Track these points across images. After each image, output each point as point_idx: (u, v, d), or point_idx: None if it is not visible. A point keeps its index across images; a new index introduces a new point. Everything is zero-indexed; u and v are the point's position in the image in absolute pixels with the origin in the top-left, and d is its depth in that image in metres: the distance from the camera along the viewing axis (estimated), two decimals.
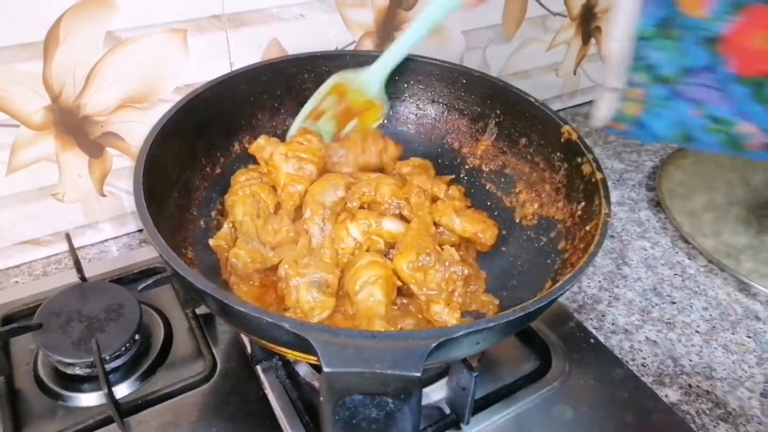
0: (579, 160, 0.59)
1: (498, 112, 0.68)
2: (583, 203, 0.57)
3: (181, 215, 0.58)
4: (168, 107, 0.58)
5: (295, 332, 0.36)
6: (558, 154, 0.62)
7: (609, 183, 0.56)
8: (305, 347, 0.36)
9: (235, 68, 0.70)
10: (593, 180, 0.56)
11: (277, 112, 0.70)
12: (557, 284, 0.44)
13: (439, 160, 0.71)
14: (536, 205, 0.64)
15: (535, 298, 0.42)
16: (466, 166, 0.71)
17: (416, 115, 0.73)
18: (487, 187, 0.69)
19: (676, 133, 0.49)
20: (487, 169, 0.69)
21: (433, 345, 0.36)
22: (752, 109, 0.44)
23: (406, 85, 0.72)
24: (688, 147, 0.66)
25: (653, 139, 0.50)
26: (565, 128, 0.60)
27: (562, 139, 0.61)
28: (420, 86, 0.72)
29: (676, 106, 0.47)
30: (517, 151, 0.67)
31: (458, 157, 0.71)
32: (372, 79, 0.66)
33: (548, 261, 0.57)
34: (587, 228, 0.53)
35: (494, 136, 0.69)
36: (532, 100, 0.64)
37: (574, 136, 0.60)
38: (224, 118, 0.65)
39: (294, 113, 0.69)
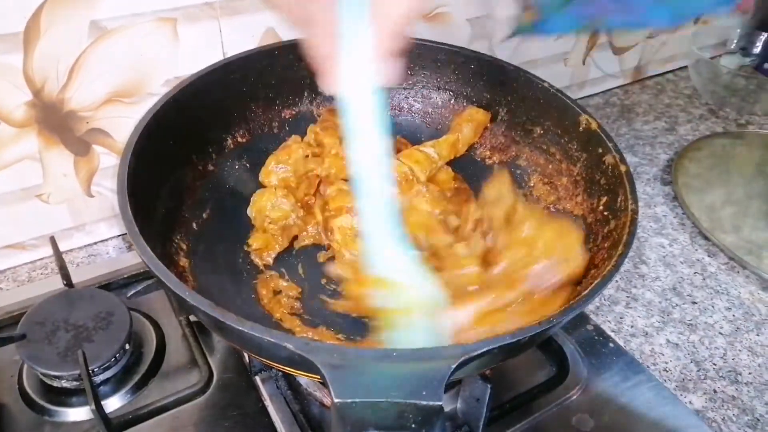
0: (600, 150, 0.55)
1: (509, 99, 0.64)
2: (605, 198, 0.53)
3: (173, 219, 0.54)
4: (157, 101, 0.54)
5: (301, 354, 0.33)
6: (575, 144, 0.58)
7: None
8: (311, 369, 0.33)
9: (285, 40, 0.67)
10: (616, 172, 0.52)
11: (273, 104, 0.66)
12: (587, 290, 0.40)
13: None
14: (552, 198, 0.60)
15: (564, 307, 0.38)
16: (477, 158, 0.67)
17: (422, 103, 0.69)
18: None
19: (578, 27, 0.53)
20: (499, 161, 0.66)
21: (454, 366, 0.32)
22: None
23: (410, 72, 0.68)
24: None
25: (557, 32, 0.51)
26: (584, 117, 0.57)
27: (581, 128, 0.57)
28: (425, 72, 0.68)
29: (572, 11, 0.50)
30: (531, 140, 0.63)
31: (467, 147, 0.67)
32: None
33: None
34: (611, 226, 0.49)
35: (505, 125, 0.65)
36: (547, 85, 0.60)
37: (594, 125, 0.56)
38: (216, 110, 0.61)
39: (289, 104, 0.66)
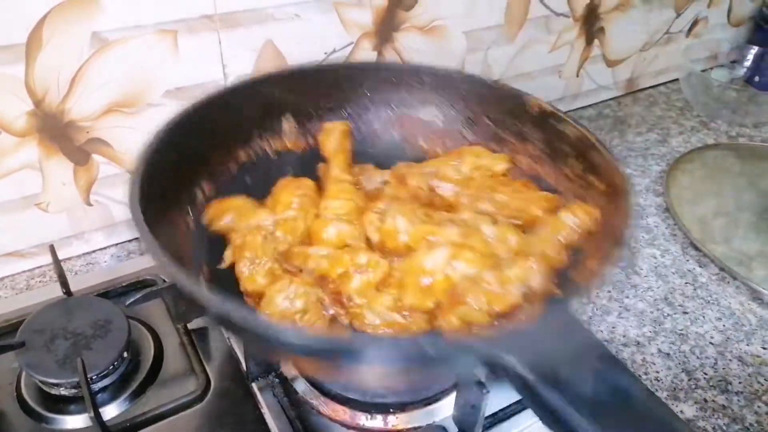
0: (558, 126, 0.58)
1: (448, 101, 0.67)
2: (576, 163, 0.57)
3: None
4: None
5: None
6: (528, 126, 0.61)
7: None
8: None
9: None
10: (584, 140, 0.55)
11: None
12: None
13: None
14: (515, 173, 0.63)
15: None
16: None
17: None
18: None
19: None
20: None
21: None
22: None
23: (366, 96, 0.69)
24: None
25: None
26: (532, 99, 0.60)
27: (532, 111, 0.60)
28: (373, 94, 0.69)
29: None
30: (481, 133, 0.66)
31: (420, 155, 0.68)
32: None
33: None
34: (597, 185, 0.54)
35: (463, 122, 0.67)
36: (489, 81, 0.64)
37: (545, 105, 0.59)
38: (231, 130, 0.61)
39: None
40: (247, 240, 0.54)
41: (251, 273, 0.53)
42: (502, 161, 0.64)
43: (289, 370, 0.57)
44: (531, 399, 0.34)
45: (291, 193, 0.59)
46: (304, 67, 0.66)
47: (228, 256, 0.55)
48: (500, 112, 0.64)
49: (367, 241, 0.57)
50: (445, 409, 0.55)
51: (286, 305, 0.50)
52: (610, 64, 1.04)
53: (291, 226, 0.57)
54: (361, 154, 0.66)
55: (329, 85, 0.66)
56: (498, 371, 0.35)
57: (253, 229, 0.55)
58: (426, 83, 0.67)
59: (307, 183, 0.60)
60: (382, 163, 0.66)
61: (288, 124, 0.65)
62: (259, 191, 0.61)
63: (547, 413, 0.33)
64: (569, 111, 1.04)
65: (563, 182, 0.60)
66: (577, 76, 1.01)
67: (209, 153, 0.59)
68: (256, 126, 0.63)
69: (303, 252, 0.54)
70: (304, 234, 0.57)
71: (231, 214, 0.56)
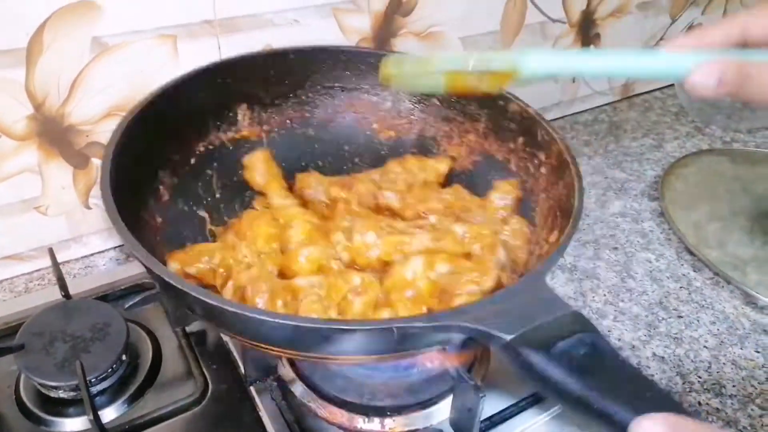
0: (501, 103, 0.61)
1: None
2: (521, 138, 0.61)
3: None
4: None
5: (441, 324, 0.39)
6: (473, 104, 0.65)
7: (611, 193, 0.56)
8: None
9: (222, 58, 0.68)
10: (525, 115, 0.59)
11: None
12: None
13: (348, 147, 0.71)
14: (464, 150, 0.67)
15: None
16: (383, 144, 0.71)
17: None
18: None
19: None
20: (409, 140, 0.70)
21: None
22: None
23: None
24: None
25: None
26: None
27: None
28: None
29: None
30: (431, 112, 0.69)
31: (373, 137, 0.71)
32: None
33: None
34: (542, 157, 0.58)
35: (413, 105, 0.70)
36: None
37: None
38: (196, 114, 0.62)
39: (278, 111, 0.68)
40: (253, 275, 0.51)
41: (269, 304, 0.50)
42: (444, 162, 0.67)
43: (287, 372, 0.57)
44: (512, 360, 0.38)
45: (267, 223, 0.58)
46: (254, 53, 0.66)
47: (227, 293, 0.52)
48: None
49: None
50: (441, 412, 0.55)
51: None
52: None
53: (274, 259, 0.56)
54: (318, 140, 0.69)
55: (281, 71, 0.66)
56: (483, 339, 0.39)
57: (249, 262, 0.54)
58: (375, 66, 0.66)
59: (274, 214, 0.60)
60: (340, 148, 0.70)
61: (242, 113, 0.66)
62: (220, 181, 0.64)
63: (529, 372, 0.37)
64: (564, 116, 1.05)
65: (512, 158, 0.63)
66: (573, 81, 1.01)
67: (167, 146, 0.59)
68: (211, 116, 0.64)
69: (290, 286, 0.52)
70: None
71: (205, 256, 0.54)
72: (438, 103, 0.68)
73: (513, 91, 0.62)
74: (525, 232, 0.60)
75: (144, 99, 0.55)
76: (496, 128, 0.64)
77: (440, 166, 0.67)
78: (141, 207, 0.54)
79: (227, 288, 0.52)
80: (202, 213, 0.61)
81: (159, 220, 0.56)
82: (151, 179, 0.57)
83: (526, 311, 0.40)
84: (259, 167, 0.64)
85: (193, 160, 0.62)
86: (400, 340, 0.39)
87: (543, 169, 0.59)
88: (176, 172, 0.60)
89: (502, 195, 0.62)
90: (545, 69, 0.46)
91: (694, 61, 0.38)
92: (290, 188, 0.65)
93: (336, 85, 0.69)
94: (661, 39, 1.08)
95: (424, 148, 0.69)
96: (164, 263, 0.52)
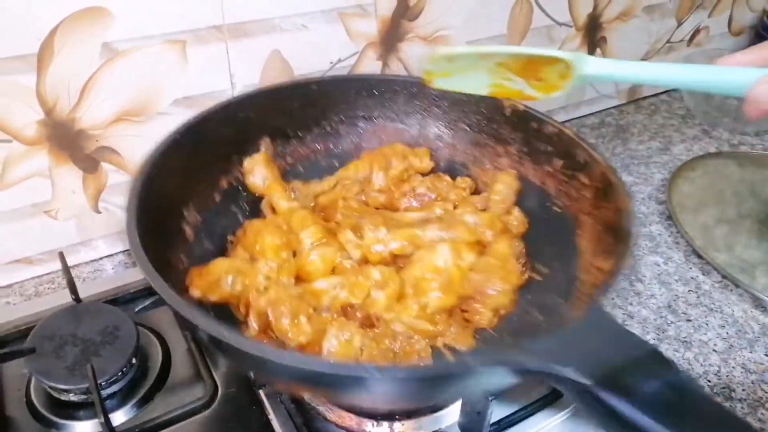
0: (534, 125, 0.59)
1: (423, 109, 0.68)
2: (559, 160, 0.58)
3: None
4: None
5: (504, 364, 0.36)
6: (506, 128, 0.63)
7: None
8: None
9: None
10: (564, 137, 0.57)
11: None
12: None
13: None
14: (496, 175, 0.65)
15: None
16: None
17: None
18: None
19: None
20: (438, 167, 0.69)
21: None
22: None
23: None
24: None
25: None
26: (508, 102, 0.61)
27: (507, 113, 0.61)
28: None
29: None
30: (460, 136, 0.68)
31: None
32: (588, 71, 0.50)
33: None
34: (584, 180, 0.55)
35: (441, 126, 0.69)
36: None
37: (520, 107, 0.60)
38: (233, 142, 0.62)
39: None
40: (271, 298, 0.51)
41: (296, 326, 0.50)
42: (425, 155, 0.67)
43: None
44: (589, 405, 0.34)
45: (272, 234, 0.57)
46: (276, 86, 0.66)
47: (253, 322, 0.51)
48: (475, 115, 0.66)
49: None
50: (450, 415, 0.55)
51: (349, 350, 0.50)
52: None
53: (288, 269, 0.56)
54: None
55: (303, 103, 0.66)
56: (554, 381, 0.35)
57: (265, 284, 0.53)
58: (400, 93, 0.68)
59: (277, 220, 0.59)
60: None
61: (266, 147, 0.65)
62: (245, 219, 0.62)
63: (610, 418, 0.33)
64: (571, 119, 1.05)
65: (549, 181, 0.61)
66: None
67: (191, 183, 0.58)
68: (235, 151, 0.63)
69: (310, 291, 0.53)
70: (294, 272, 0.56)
71: (226, 277, 0.52)
72: (467, 127, 0.66)
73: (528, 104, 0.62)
74: (525, 223, 0.62)
75: (167, 137, 0.55)
76: (530, 151, 0.62)
77: (423, 166, 0.67)
78: (167, 249, 0.53)
79: (252, 315, 0.51)
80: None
81: (185, 261, 0.55)
82: (176, 219, 0.56)
83: (601, 349, 0.36)
84: (259, 170, 0.63)
85: (217, 197, 0.62)
86: (449, 384, 0.37)
87: (586, 192, 0.56)
88: (201, 211, 0.59)
89: (502, 186, 0.62)
90: (605, 72, 0.46)
91: (757, 76, 0.37)
92: None
93: (360, 114, 0.69)
94: (667, 42, 1.08)
95: (453, 175, 0.68)
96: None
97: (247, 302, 0.52)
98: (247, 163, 0.63)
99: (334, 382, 0.37)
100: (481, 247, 0.58)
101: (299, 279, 0.56)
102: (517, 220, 0.61)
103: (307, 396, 0.53)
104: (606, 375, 0.34)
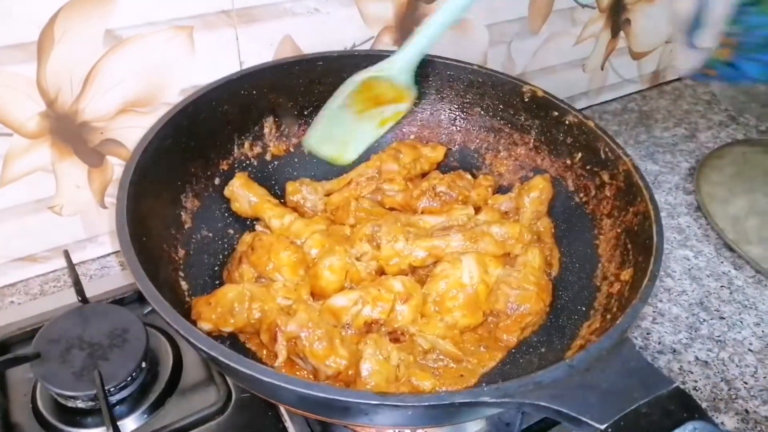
0: (555, 113, 0.57)
1: (436, 90, 0.65)
2: (579, 154, 0.55)
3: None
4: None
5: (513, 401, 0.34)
6: (523, 114, 0.60)
7: None
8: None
9: (245, 67, 0.65)
10: (585, 129, 0.54)
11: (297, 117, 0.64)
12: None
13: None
14: (511, 165, 0.63)
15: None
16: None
17: None
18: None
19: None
20: (450, 153, 0.67)
21: None
22: None
23: None
24: None
25: (744, 79, 0.49)
26: (527, 87, 0.58)
27: (525, 99, 0.58)
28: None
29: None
30: (474, 122, 0.65)
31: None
32: (399, 70, 0.54)
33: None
34: (605, 177, 0.52)
35: (448, 111, 0.66)
36: (476, 67, 0.62)
37: (539, 92, 0.57)
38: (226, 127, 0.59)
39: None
40: (303, 320, 0.47)
41: (332, 351, 0.46)
42: (439, 150, 0.64)
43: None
44: None
45: (287, 249, 0.54)
46: (280, 61, 0.63)
47: (281, 350, 0.47)
48: (491, 99, 0.63)
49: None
50: (475, 424, 0.52)
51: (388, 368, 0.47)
52: (636, 56, 1.00)
53: (305, 286, 0.53)
54: None
55: (309, 80, 0.63)
56: (568, 421, 0.34)
57: (292, 306, 0.50)
58: None
59: (285, 240, 0.56)
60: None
61: (269, 127, 0.63)
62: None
63: None
64: (593, 105, 1.01)
65: (568, 176, 0.59)
66: (602, 69, 0.97)
67: (189, 166, 0.56)
68: (236, 131, 0.61)
69: (328, 308, 0.49)
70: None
71: (239, 306, 0.49)
72: (481, 110, 0.63)
73: (540, 84, 0.59)
74: (550, 228, 0.59)
75: (164, 116, 0.52)
76: (548, 141, 0.59)
77: (435, 155, 0.65)
78: (162, 240, 0.51)
79: (280, 345, 0.47)
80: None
81: (181, 252, 0.53)
82: (173, 205, 0.54)
83: (618, 386, 0.33)
84: (241, 194, 0.59)
85: (217, 180, 0.59)
86: (462, 412, 0.37)
87: (607, 191, 0.53)
88: (199, 196, 0.57)
89: (536, 193, 0.59)
90: (411, 55, 0.51)
91: None
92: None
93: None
94: None
95: (466, 162, 0.65)
96: (189, 309, 0.49)
97: (271, 328, 0.48)
98: (227, 191, 0.60)
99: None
100: (508, 257, 0.54)
101: (312, 294, 0.53)
102: (542, 224, 0.58)
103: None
104: (623, 420, 0.32)
